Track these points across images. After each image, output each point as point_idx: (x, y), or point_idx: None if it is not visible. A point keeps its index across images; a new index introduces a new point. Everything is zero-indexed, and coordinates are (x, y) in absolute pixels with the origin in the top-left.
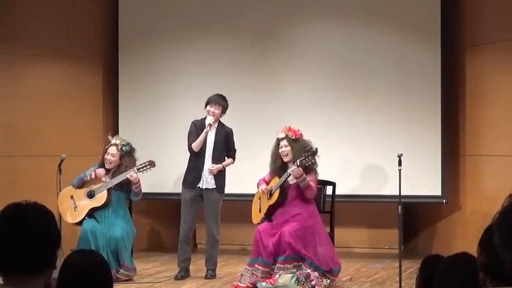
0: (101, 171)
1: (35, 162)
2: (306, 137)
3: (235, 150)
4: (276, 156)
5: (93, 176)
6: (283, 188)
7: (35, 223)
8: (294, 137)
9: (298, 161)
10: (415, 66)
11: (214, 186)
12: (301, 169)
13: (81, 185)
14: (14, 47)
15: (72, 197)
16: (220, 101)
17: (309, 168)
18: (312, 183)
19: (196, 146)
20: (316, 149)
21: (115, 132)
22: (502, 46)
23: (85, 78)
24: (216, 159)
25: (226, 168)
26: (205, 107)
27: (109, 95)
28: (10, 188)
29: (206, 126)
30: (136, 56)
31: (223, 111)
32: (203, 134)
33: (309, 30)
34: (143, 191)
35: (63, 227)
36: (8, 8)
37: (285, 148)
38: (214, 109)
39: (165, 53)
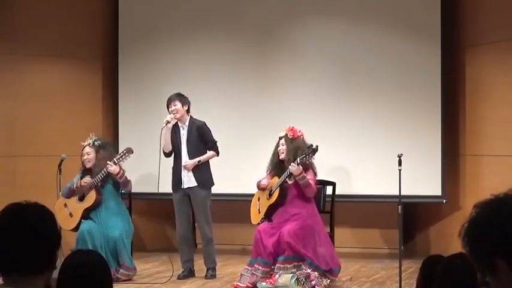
0: (87, 179)
1: (35, 162)
2: (306, 137)
3: (215, 142)
4: (274, 153)
5: (79, 185)
6: (283, 187)
7: (35, 223)
8: (291, 137)
9: (298, 159)
10: (415, 66)
11: (196, 184)
12: (300, 167)
13: (70, 194)
14: (14, 47)
15: (65, 205)
16: (174, 97)
17: (307, 166)
18: (311, 182)
19: (164, 146)
20: (317, 146)
21: (115, 132)
22: (502, 46)
23: (85, 78)
24: (192, 155)
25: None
26: (168, 111)
27: (109, 94)
28: (10, 188)
29: (163, 123)
30: (136, 56)
31: (184, 104)
32: (164, 132)
33: (309, 30)
34: (144, 191)
35: (62, 230)
36: (8, 8)
37: (282, 147)
38: (173, 106)
39: (165, 53)
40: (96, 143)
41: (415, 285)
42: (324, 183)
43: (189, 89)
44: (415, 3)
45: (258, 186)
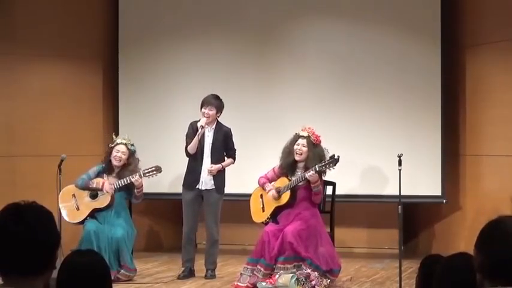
0: (108, 187)
1: (35, 162)
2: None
3: (235, 150)
4: (290, 151)
5: (99, 186)
6: (294, 190)
7: (33, 223)
8: (315, 141)
9: (317, 166)
10: (415, 66)
11: (213, 187)
12: (317, 175)
13: (85, 188)
14: (14, 47)
15: (74, 195)
16: (214, 102)
17: (320, 174)
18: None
19: (191, 148)
20: (339, 157)
21: (115, 132)
22: (502, 46)
23: (85, 78)
24: (215, 159)
25: (226, 168)
26: (201, 109)
27: (109, 94)
28: (10, 188)
29: (199, 128)
30: (137, 56)
31: (219, 111)
32: (196, 136)
33: (309, 30)
34: (144, 191)
35: (63, 227)
36: (8, 8)
37: (303, 148)
38: (209, 110)
39: (165, 53)
40: (132, 147)
41: (414, 285)
42: (324, 183)
43: (189, 89)
44: (415, 3)
45: (262, 186)
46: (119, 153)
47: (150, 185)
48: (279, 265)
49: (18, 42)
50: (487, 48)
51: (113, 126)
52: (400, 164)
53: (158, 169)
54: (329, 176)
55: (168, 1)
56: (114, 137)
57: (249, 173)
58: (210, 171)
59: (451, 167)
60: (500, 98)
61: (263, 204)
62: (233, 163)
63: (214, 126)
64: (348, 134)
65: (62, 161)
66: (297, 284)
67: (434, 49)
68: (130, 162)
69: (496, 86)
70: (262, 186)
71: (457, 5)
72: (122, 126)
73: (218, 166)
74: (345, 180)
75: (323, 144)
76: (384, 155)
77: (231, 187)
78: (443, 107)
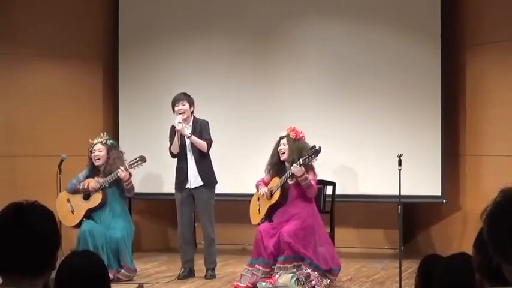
0: (92, 185)
1: (35, 162)
2: (306, 137)
3: (211, 140)
4: (273, 153)
5: (86, 186)
6: (284, 188)
7: (34, 223)
8: (294, 137)
9: (301, 160)
10: (415, 66)
11: (202, 183)
12: (303, 168)
13: (75, 191)
14: (14, 47)
15: (68, 200)
16: (184, 97)
17: (308, 167)
18: (313, 182)
19: (174, 148)
20: (320, 147)
21: (115, 132)
22: (502, 46)
23: (85, 78)
24: (197, 154)
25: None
26: (173, 110)
27: (109, 95)
28: (10, 188)
29: (176, 125)
30: (137, 56)
31: (191, 105)
32: (176, 136)
33: (309, 30)
34: (144, 191)
35: (63, 228)
36: (8, 8)
37: (283, 146)
38: (181, 106)
39: (165, 53)
40: (108, 142)
41: (414, 285)
42: (324, 183)
43: (189, 89)
44: (415, 3)
45: (257, 188)
46: (96, 152)
47: (151, 185)
48: (279, 265)
49: (18, 42)
50: (487, 48)
51: (113, 126)
52: (400, 164)
53: (142, 159)
54: (329, 176)
55: (168, 1)
56: (90, 141)
57: (249, 173)
58: (181, 130)
59: (451, 167)
60: (500, 98)
61: (259, 207)
62: (205, 150)
63: (191, 123)
64: (348, 133)
65: (62, 161)
66: (297, 284)
67: (434, 49)
68: (110, 156)
69: (496, 86)
70: (256, 188)
71: (457, 5)
72: (121, 126)
73: (186, 131)
74: (345, 180)
75: (324, 143)
76: (383, 155)
77: (230, 187)
78: (443, 107)
